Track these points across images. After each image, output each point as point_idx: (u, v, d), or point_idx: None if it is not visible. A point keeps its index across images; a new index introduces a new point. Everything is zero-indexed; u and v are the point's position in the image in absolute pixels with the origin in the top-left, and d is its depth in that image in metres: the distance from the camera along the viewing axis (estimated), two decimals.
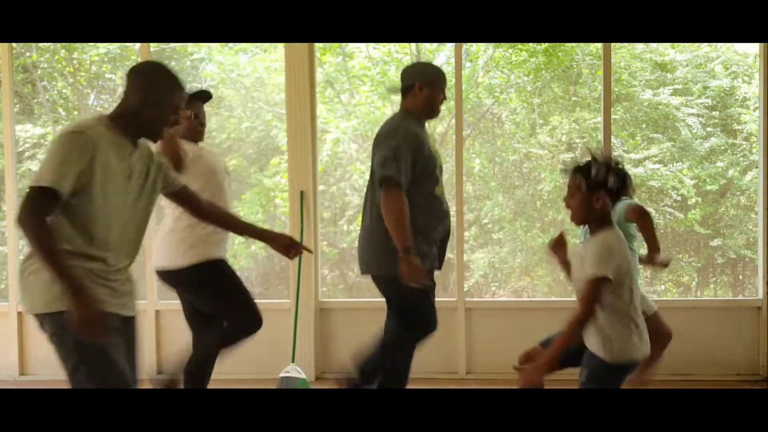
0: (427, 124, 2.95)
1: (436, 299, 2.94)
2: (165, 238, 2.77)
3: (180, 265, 2.72)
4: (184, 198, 2.26)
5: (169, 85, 2.01)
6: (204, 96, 2.90)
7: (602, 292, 2.15)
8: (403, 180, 2.67)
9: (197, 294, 2.83)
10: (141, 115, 1.96)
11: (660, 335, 3.14)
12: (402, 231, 2.63)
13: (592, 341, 2.26)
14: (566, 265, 2.46)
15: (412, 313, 2.82)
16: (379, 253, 2.76)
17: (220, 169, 2.86)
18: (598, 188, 2.20)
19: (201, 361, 2.83)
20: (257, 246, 6.10)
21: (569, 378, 4.35)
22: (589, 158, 2.23)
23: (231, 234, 2.89)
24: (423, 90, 2.80)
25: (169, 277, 2.79)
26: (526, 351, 2.46)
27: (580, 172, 2.22)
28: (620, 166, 2.24)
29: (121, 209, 1.97)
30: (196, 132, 2.85)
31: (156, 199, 2.15)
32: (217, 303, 2.83)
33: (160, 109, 1.98)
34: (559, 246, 2.48)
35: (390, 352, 2.87)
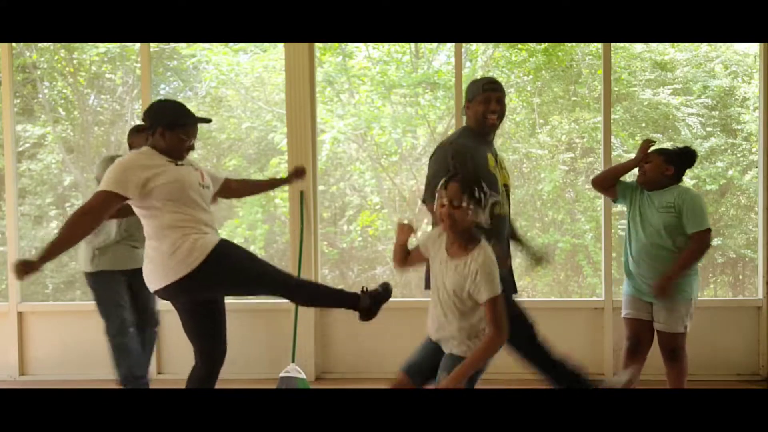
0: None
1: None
2: (152, 261, 2.62)
3: (183, 273, 2.54)
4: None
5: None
6: (206, 121, 2.81)
7: (503, 307, 2.26)
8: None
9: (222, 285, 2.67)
10: None
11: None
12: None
13: (453, 344, 2.35)
14: (404, 250, 2.55)
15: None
16: None
17: (189, 182, 2.66)
18: (470, 202, 2.26)
19: (206, 376, 2.78)
20: (257, 246, 6.11)
21: None
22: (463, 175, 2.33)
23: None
24: (470, 107, 2.90)
25: (167, 292, 2.63)
26: (396, 382, 2.47)
27: (461, 187, 2.27)
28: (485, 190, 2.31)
29: None
30: (179, 153, 2.69)
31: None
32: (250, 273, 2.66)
33: None
34: (405, 231, 2.55)
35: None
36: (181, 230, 2.56)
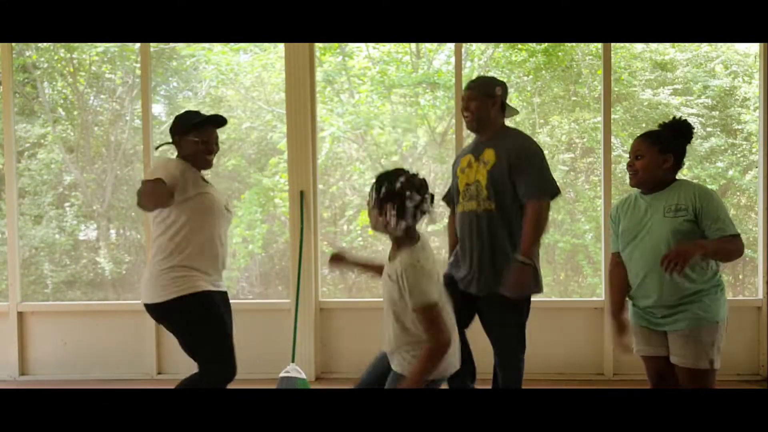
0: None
1: None
2: (146, 273, 2.69)
3: (159, 299, 2.61)
4: None
5: None
6: (217, 121, 2.75)
7: (439, 314, 2.09)
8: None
9: (174, 330, 2.70)
10: None
11: None
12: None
13: (397, 359, 2.21)
14: (359, 267, 2.51)
15: None
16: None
17: (216, 202, 2.72)
18: (384, 201, 2.12)
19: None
20: (255, 245, 6.10)
21: (568, 378, 4.36)
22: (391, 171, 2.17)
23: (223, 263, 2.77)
24: None
25: (152, 311, 2.70)
26: None
27: (377, 183, 2.16)
28: (408, 179, 2.13)
29: None
30: (202, 158, 2.71)
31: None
32: (191, 342, 2.68)
33: None
34: (337, 261, 2.49)
35: None
36: (181, 267, 2.59)
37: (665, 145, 2.47)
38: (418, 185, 2.14)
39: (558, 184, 2.90)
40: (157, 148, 2.85)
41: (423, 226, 2.28)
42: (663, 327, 2.46)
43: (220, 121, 2.74)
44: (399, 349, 2.19)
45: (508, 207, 2.79)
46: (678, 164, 2.50)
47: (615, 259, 2.63)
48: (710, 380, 2.40)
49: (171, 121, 2.77)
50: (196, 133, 2.67)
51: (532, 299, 2.89)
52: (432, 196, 2.18)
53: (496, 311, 2.83)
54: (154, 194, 2.40)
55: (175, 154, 2.78)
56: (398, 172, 2.17)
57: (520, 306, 2.83)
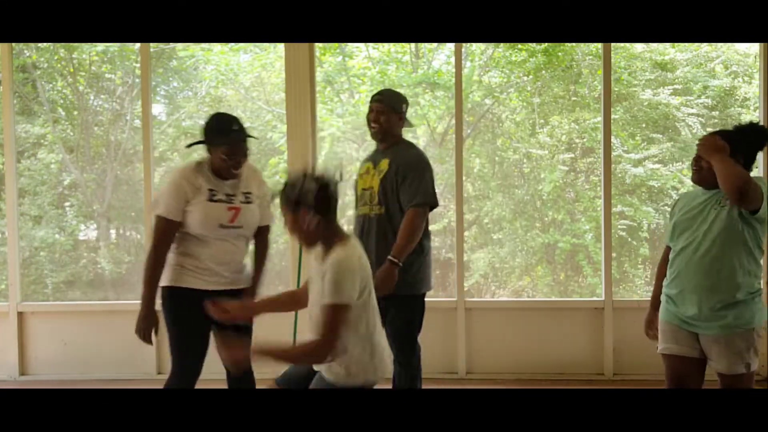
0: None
1: (437, 299, 2.96)
2: None
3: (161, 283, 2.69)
4: None
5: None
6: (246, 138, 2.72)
7: (343, 320, 2.02)
8: None
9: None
10: None
11: None
12: None
13: (324, 367, 2.14)
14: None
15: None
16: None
17: (210, 221, 2.64)
18: (299, 207, 2.07)
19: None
20: None
21: (567, 378, 4.35)
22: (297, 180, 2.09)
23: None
24: None
25: None
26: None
27: (281, 195, 2.11)
28: (320, 179, 2.08)
29: None
30: (226, 171, 2.66)
31: None
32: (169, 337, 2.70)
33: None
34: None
35: None
36: (182, 253, 2.65)
37: (735, 144, 2.36)
38: (318, 179, 2.08)
39: (437, 195, 3.03)
40: (188, 146, 2.80)
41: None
42: (695, 328, 2.42)
43: (248, 137, 2.73)
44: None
45: (395, 213, 2.95)
46: (746, 168, 2.38)
47: (666, 252, 2.61)
48: (747, 381, 2.39)
49: (206, 121, 2.70)
50: (225, 150, 2.61)
51: (426, 298, 3.05)
52: (335, 184, 2.11)
53: (388, 309, 2.87)
54: (162, 238, 2.61)
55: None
56: (295, 176, 2.12)
57: (411, 304, 2.96)
